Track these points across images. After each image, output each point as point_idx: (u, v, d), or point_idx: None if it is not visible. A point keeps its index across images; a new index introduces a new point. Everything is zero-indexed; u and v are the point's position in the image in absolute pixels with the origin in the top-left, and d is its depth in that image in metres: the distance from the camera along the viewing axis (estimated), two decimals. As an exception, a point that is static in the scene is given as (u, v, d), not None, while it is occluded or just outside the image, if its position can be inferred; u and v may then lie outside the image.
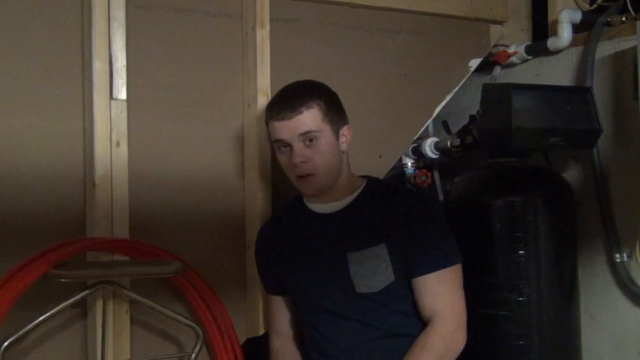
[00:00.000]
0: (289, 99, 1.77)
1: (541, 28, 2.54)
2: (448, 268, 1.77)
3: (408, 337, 1.76)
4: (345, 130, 1.83)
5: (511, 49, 2.53)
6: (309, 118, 1.75)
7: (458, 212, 2.24)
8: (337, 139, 1.80)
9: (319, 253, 1.83)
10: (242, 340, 2.05)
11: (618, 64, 2.21)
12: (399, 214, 1.78)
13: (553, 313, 2.13)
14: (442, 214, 1.88)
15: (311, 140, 1.75)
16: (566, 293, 2.19)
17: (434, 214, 1.84)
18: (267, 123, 1.81)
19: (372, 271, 1.76)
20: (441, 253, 1.77)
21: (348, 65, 2.28)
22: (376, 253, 1.76)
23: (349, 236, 1.81)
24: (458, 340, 1.76)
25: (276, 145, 1.80)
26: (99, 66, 1.84)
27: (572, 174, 2.36)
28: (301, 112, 1.74)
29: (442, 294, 1.76)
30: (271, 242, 1.94)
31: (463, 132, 2.38)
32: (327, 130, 1.77)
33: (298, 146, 1.76)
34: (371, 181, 1.91)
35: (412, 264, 1.76)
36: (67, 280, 1.72)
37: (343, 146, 1.83)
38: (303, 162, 1.76)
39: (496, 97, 2.15)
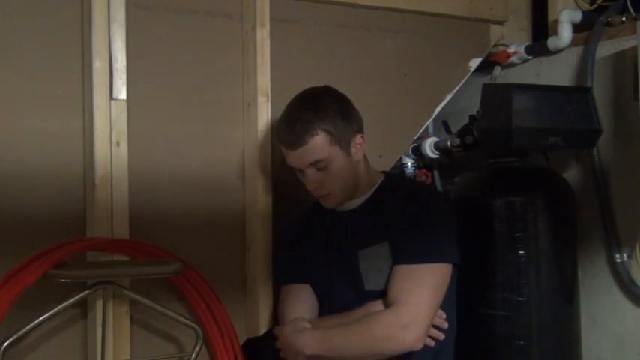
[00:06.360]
0: (293, 126, 1.72)
1: (541, 28, 2.54)
2: (423, 265, 1.71)
3: None
4: (357, 140, 1.80)
5: (511, 49, 2.52)
6: (315, 147, 1.72)
7: (458, 212, 2.23)
8: (349, 154, 1.77)
9: (334, 249, 1.84)
10: (242, 340, 2.05)
11: (618, 64, 2.21)
12: (398, 210, 1.78)
13: (553, 313, 2.13)
14: (441, 211, 1.84)
15: (321, 167, 1.74)
16: (566, 293, 2.19)
17: (428, 208, 1.80)
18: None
19: (377, 268, 1.76)
20: (419, 249, 1.72)
21: (347, 65, 2.28)
22: (380, 251, 1.76)
23: (360, 233, 1.81)
24: (405, 337, 1.65)
25: (291, 168, 1.80)
26: (99, 66, 1.84)
27: (572, 174, 2.36)
28: (306, 142, 1.71)
29: (408, 288, 1.68)
30: (299, 233, 1.94)
31: (463, 132, 2.38)
32: (336, 152, 1.74)
33: (310, 172, 1.75)
34: (387, 177, 1.91)
35: (394, 252, 1.74)
36: (67, 280, 1.72)
37: (357, 156, 1.80)
38: (318, 186, 1.77)
39: (496, 97, 2.15)
